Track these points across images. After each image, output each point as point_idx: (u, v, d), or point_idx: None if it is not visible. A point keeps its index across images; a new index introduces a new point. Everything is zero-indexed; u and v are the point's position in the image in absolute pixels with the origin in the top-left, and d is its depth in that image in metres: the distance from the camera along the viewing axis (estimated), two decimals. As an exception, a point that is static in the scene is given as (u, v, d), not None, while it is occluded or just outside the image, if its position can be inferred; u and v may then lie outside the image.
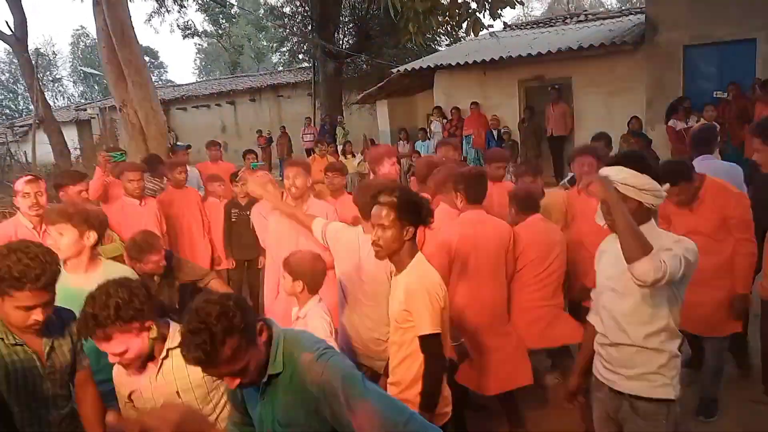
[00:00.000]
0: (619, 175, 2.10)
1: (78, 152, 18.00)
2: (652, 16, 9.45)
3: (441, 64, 11.27)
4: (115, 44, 6.82)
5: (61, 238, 2.58)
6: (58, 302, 2.09)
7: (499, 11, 6.43)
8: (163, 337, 2.02)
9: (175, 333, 2.02)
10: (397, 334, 2.36)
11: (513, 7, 6.60)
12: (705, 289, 3.18)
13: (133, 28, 7.01)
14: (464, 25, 6.43)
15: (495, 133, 11.16)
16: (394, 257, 2.33)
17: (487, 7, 6.31)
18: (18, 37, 13.25)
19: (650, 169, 2.13)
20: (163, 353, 2.03)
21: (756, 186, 4.27)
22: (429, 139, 11.93)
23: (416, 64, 11.78)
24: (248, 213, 5.87)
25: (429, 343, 2.24)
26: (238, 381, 1.64)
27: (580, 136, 10.55)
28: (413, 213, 2.25)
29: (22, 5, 13.13)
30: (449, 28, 6.90)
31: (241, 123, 22.55)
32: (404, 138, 12.26)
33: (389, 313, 2.44)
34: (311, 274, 2.60)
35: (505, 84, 11.20)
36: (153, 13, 27.37)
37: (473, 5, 6.42)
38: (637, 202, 2.10)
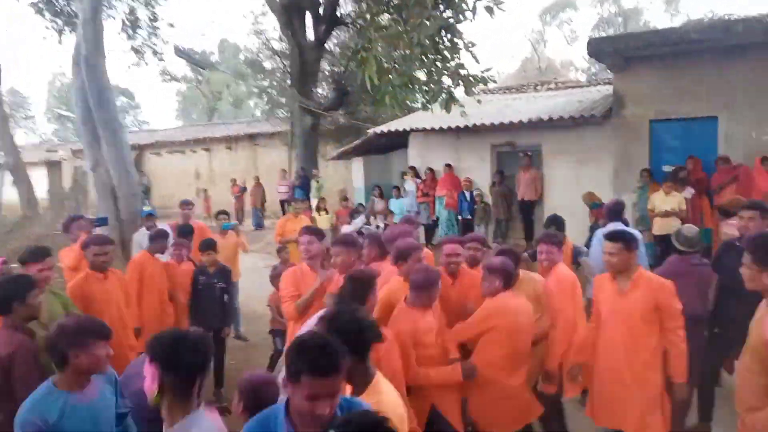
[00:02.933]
0: None
1: (47, 197, 17.75)
2: (620, 92, 9.83)
3: (416, 128, 11.50)
4: (92, 105, 6.82)
5: None
6: None
7: (473, 88, 6.62)
8: None
9: None
10: None
11: (486, 84, 6.82)
12: (633, 386, 3.46)
13: (111, 90, 7.05)
14: (438, 100, 6.60)
15: (468, 195, 11.34)
16: (351, 381, 2.34)
17: (461, 83, 6.50)
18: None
19: None
20: None
21: (722, 272, 4.42)
22: (402, 197, 12.06)
23: (392, 126, 11.99)
24: (215, 281, 5.84)
25: None
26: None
27: (550, 200, 10.81)
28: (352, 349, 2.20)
29: None
30: (424, 103, 7.04)
31: (217, 169, 22.54)
32: (378, 195, 12.38)
33: None
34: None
35: (477, 148, 11.46)
36: (132, 65, 27.42)
37: (448, 81, 6.62)
38: None
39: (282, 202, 16.69)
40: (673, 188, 8.65)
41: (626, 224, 6.33)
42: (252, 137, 21.56)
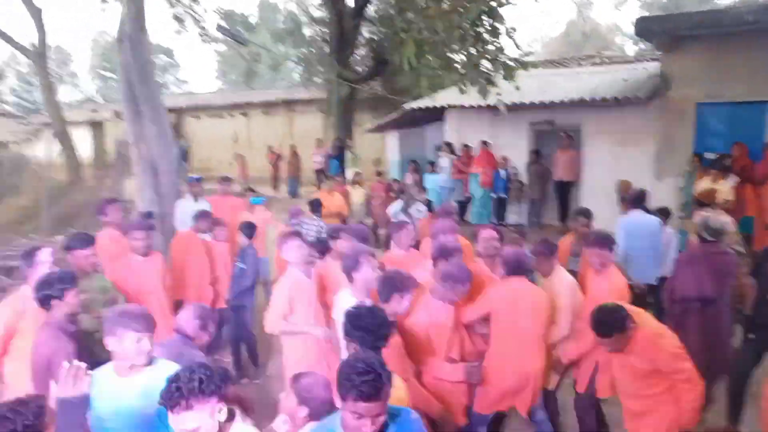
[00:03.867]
0: None
1: (92, 155, 18.14)
2: (667, 72, 9.50)
3: (452, 104, 11.35)
4: (134, 81, 6.96)
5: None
6: None
7: (512, 72, 6.51)
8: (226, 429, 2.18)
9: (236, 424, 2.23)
10: None
11: (526, 69, 6.68)
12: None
13: (153, 65, 7.16)
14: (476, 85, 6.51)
15: (503, 173, 11.22)
16: None
17: (501, 69, 6.39)
18: (39, 52, 13.45)
19: None
20: None
21: (762, 278, 4.37)
22: (437, 173, 12.01)
23: (428, 103, 11.86)
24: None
25: None
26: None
27: (588, 182, 10.63)
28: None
29: (42, 22, 13.34)
30: (461, 87, 6.93)
31: (253, 134, 22.75)
32: (413, 170, 12.34)
33: None
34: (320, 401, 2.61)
35: (515, 125, 11.26)
36: (174, 32, 27.60)
37: (487, 66, 6.51)
38: None
39: (317, 172, 16.80)
40: (719, 176, 8.42)
41: (647, 212, 6.30)
42: (289, 103, 21.62)
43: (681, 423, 3.18)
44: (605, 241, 4.17)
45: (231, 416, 2.21)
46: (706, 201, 7.54)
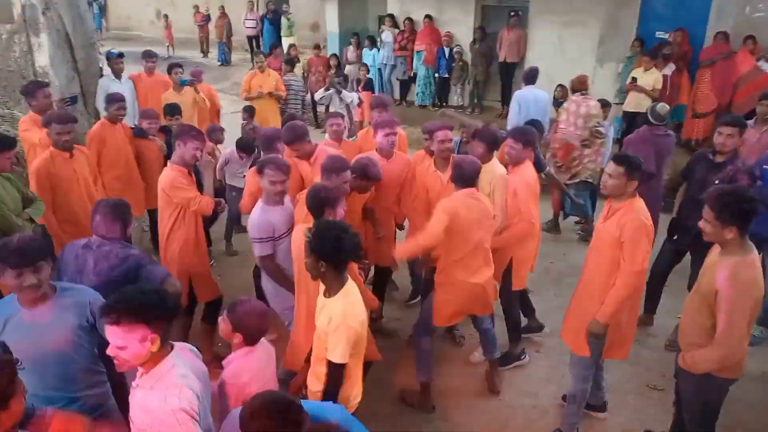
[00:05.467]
0: None
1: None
2: (616, -50, 9.12)
3: (397, -29, 10.60)
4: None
5: None
6: None
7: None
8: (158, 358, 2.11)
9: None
10: (319, 347, 2.74)
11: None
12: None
13: None
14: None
15: (447, 51, 10.86)
16: (323, 282, 2.71)
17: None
18: None
19: None
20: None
21: (691, 180, 4.57)
22: (378, 48, 11.49)
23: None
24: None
25: (333, 369, 2.63)
26: None
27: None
28: (327, 254, 2.57)
29: None
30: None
31: (177, -9, 20.71)
32: (355, 44, 11.73)
33: (317, 324, 2.79)
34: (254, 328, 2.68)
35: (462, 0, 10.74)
36: None
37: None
38: None
39: (250, 39, 15.73)
40: (652, 64, 8.48)
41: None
42: (216, -45, 19.54)
43: None
44: (523, 135, 4.19)
45: (169, 348, 2.16)
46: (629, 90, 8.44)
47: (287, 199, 3.82)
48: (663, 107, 5.42)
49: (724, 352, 2.81)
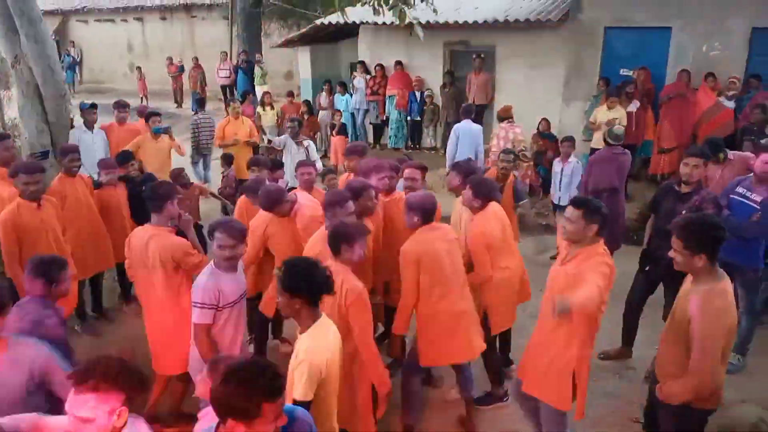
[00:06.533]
0: None
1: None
2: (578, -5, 9.52)
3: (366, 21, 10.84)
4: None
5: None
6: None
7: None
8: None
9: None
10: (290, 384, 2.59)
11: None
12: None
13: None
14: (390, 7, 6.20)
15: (418, 95, 11.09)
16: (297, 320, 2.65)
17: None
18: None
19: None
20: None
21: (659, 213, 4.62)
22: (350, 94, 11.67)
23: (340, 18, 11.25)
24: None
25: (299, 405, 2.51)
26: None
27: (500, 105, 10.68)
28: (300, 288, 2.53)
29: None
30: (375, 6, 6.54)
31: (150, 43, 20.95)
32: (327, 90, 11.89)
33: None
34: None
35: (430, 46, 10.98)
36: None
37: (404, -10, 6.18)
38: None
39: (224, 88, 15.87)
40: (617, 102, 8.73)
41: (477, 123, 8.39)
42: (188, 8, 19.89)
43: None
44: (462, 168, 4.51)
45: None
46: (594, 129, 8.87)
47: (240, 266, 3.55)
48: (619, 128, 6.30)
49: (698, 382, 2.78)
